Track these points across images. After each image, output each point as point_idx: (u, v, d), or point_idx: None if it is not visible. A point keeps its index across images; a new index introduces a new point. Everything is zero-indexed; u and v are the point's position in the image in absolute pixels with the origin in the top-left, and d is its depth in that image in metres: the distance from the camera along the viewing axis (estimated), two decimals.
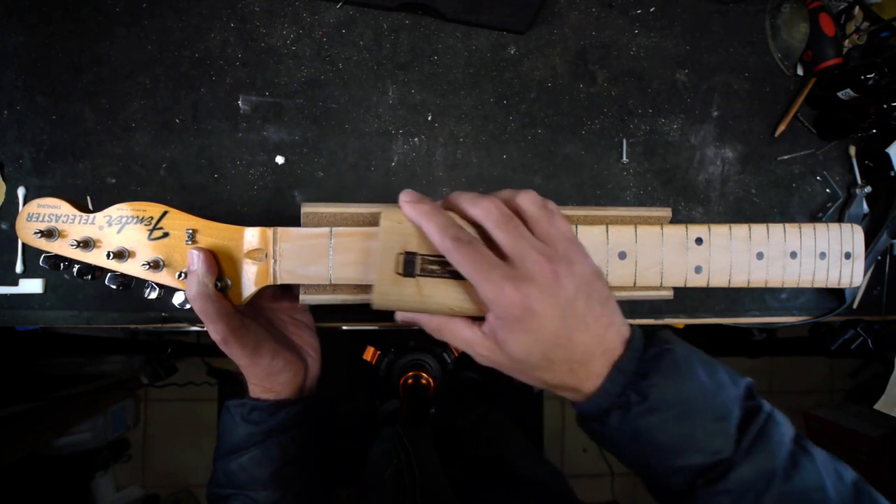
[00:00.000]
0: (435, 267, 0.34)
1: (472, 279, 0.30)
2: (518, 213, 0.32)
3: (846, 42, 0.56)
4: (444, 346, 0.88)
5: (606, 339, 0.31)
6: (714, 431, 0.30)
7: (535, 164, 0.53)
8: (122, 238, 0.36)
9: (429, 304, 0.34)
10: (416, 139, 0.51)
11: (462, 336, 0.33)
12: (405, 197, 0.33)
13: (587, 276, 0.31)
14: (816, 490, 0.29)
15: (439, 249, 0.32)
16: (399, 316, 0.35)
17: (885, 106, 0.51)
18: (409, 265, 0.34)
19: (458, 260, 0.31)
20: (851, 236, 0.47)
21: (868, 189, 0.56)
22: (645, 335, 0.33)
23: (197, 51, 0.49)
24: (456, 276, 0.33)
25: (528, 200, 0.32)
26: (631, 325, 0.33)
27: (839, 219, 0.57)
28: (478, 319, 0.33)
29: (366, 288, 0.38)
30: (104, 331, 1.20)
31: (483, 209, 0.32)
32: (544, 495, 0.63)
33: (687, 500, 0.30)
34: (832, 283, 0.47)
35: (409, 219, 0.33)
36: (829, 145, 0.57)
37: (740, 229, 0.43)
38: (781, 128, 0.56)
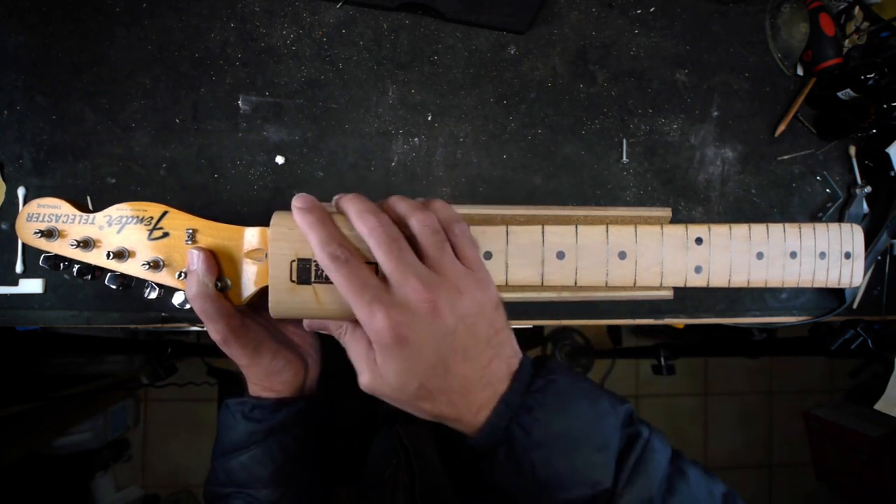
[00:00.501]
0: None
1: (347, 299, 0.30)
2: (409, 233, 0.31)
3: (846, 42, 0.56)
4: None
5: (490, 371, 0.31)
6: (595, 462, 0.30)
7: (535, 164, 0.53)
8: (122, 238, 0.36)
9: (328, 310, 0.33)
10: (416, 139, 0.51)
11: (357, 351, 0.32)
12: (297, 202, 0.32)
13: (474, 307, 0.30)
14: None
15: (319, 264, 0.31)
16: (306, 323, 0.35)
17: (885, 106, 0.51)
18: (304, 272, 0.33)
19: (334, 278, 0.30)
20: (851, 236, 0.47)
21: (868, 189, 0.56)
22: (533, 365, 0.32)
23: (197, 51, 0.49)
24: None
25: (420, 223, 0.31)
26: (522, 356, 0.32)
27: (839, 219, 0.57)
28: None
29: None
30: (104, 331, 1.20)
31: (369, 227, 0.31)
32: None
33: None
34: (832, 283, 0.48)
35: (297, 226, 0.32)
36: (829, 145, 0.57)
37: (740, 229, 0.43)
38: (781, 128, 0.56)
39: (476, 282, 0.31)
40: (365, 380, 0.31)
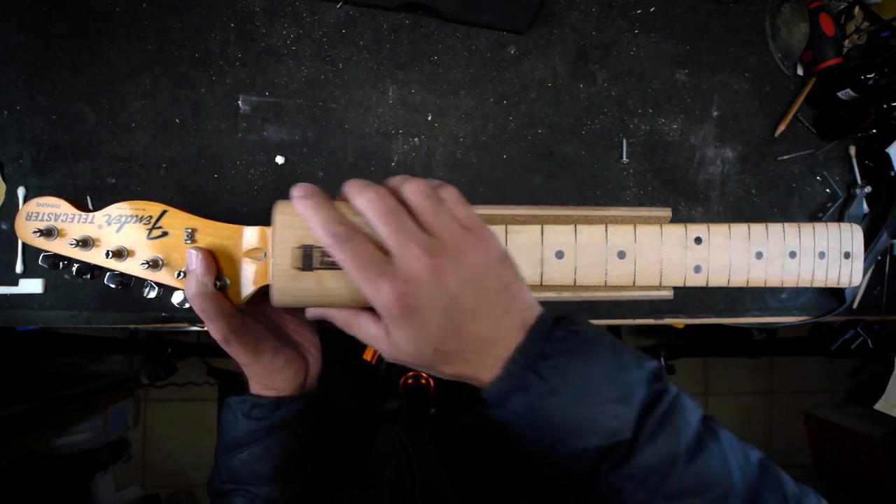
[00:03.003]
0: (333, 259, 0.32)
1: (353, 277, 0.30)
2: (405, 203, 0.31)
3: (846, 42, 0.56)
4: None
5: (502, 326, 0.30)
6: (614, 413, 0.29)
7: (535, 164, 0.53)
8: (122, 237, 0.36)
9: (331, 297, 0.33)
10: (416, 139, 0.51)
11: (367, 332, 0.32)
12: (296, 191, 0.32)
13: (479, 266, 0.30)
14: (721, 471, 0.29)
15: (323, 245, 0.31)
16: (308, 312, 0.35)
17: (885, 106, 0.51)
18: (307, 259, 0.33)
19: (337, 257, 0.30)
20: (851, 236, 0.47)
21: (868, 189, 0.56)
22: (554, 319, 0.32)
23: (197, 51, 0.49)
24: None
25: (413, 190, 0.31)
26: (542, 310, 0.32)
27: (839, 219, 0.57)
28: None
29: None
30: (104, 331, 1.20)
31: (366, 200, 0.31)
32: (546, 495, 0.63)
33: (591, 487, 0.30)
34: (831, 283, 0.47)
35: (299, 213, 0.32)
36: (829, 145, 0.57)
37: (739, 228, 0.43)
38: (781, 128, 0.56)
39: (476, 239, 0.31)
40: (385, 353, 0.32)
